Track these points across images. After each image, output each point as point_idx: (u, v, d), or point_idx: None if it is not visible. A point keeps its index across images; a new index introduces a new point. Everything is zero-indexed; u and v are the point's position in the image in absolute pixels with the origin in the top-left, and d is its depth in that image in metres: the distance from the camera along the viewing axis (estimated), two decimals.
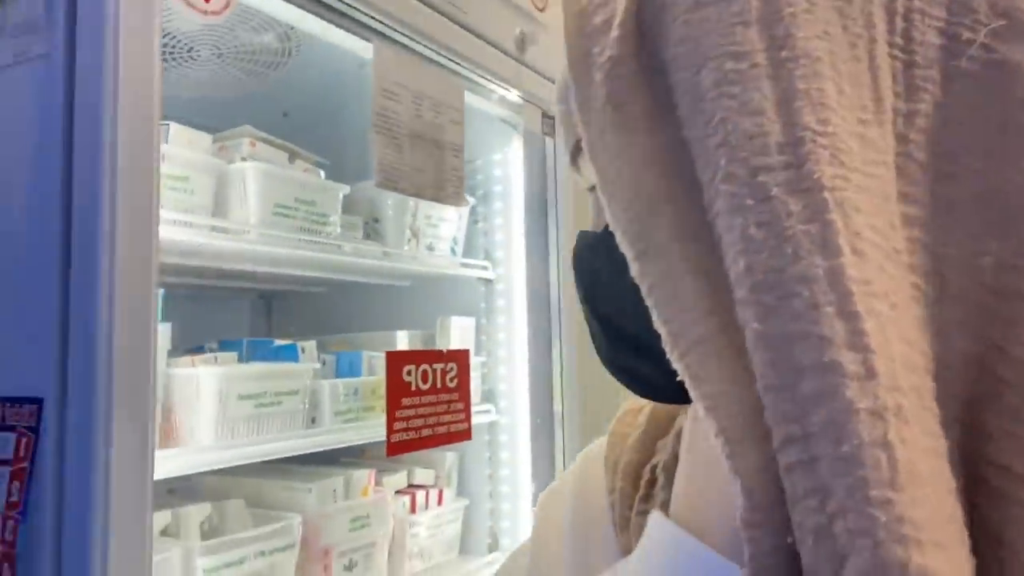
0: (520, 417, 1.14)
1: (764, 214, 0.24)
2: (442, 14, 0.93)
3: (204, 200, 0.82)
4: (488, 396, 1.15)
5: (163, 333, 0.73)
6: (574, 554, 0.37)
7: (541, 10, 1.12)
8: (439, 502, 1.10)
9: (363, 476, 1.00)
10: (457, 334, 1.07)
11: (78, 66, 0.58)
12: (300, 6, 0.79)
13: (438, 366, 0.90)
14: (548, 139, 1.17)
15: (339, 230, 0.97)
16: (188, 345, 0.95)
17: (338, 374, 1.01)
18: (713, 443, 0.23)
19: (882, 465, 0.20)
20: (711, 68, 0.26)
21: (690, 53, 0.26)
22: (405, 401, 0.85)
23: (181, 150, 0.80)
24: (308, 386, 0.89)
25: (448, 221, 1.12)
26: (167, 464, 0.69)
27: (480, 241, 1.19)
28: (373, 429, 0.94)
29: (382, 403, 0.94)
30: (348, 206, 1.01)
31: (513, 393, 1.14)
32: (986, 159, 0.26)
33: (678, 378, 0.25)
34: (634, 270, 0.27)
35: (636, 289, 0.27)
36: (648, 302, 0.26)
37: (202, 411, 0.76)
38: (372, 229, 1.07)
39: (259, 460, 0.82)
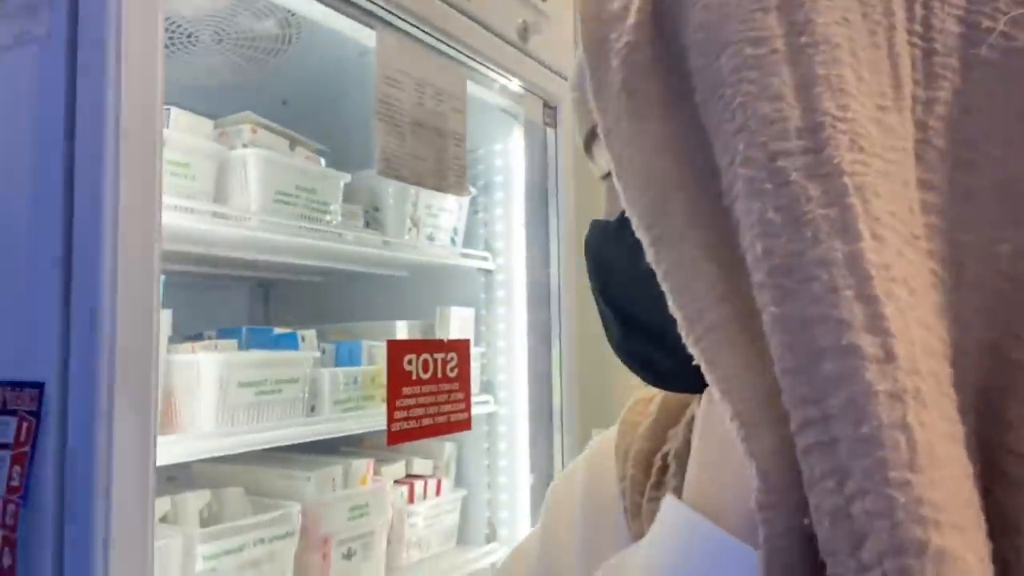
0: (519, 408, 1.14)
1: (783, 198, 0.24)
2: (445, 2, 0.93)
3: (205, 186, 0.82)
4: (487, 387, 1.15)
5: (165, 319, 0.73)
6: (584, 541, 0.37)
7: None
8: (437, 492, 1.10)
9: (362, 465, 1.00)
10: (456, 324, 1.07)
11: (80, 47, 0.57)
12: None
13: (439, 355, 0.90)
14: (549, 130, 1.17)
15: (340, 218, 0.97)
16: (185, 333, 0.94)
17: (338, 363, 1.00)
18: (728, 427, 0.23)
19: (901, 447, 0.20)
20: (730, 53, 0.26)
21: (709, 39, 0.26)
22: (406, 390, 0.85)
23: (182, 135, 0.80)
24: (308, 374, 0.89)
25: (448, 211, 1.11)
26: (167, 450, 0.69)
27: (480, 232, 1.19)
28: (373, 418, 0.94)
29: (382, 392, 0.94)
30: (349, 195, 1.00)
31: (512, 384, 1.14)
32: (1005, 147, 0.26)
33: (691, 365, 0.25)
34: (650, 255, 0.27)
35: (649, 277, 0.27)
36: (663, 287, 0.26)
37: (202, 398, 0.76)
38: (372, 218, 1.06)
39: (259, 448, 0.82)
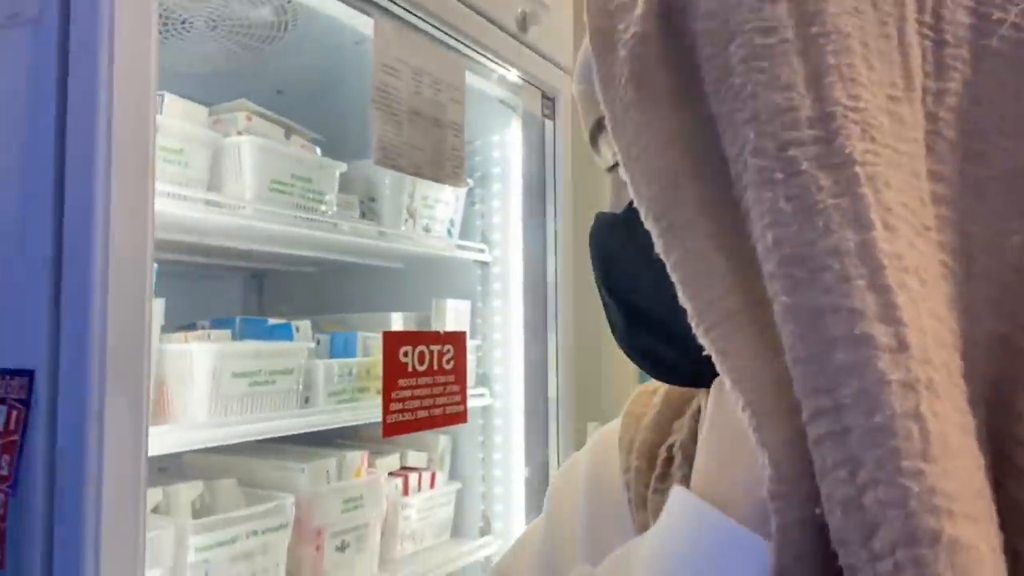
0: (514, 401, 1.13)
1: (794, 188, 0.24)
2: None
3: (199, 174, 0.81)
4: (482, 380, 1.14)
5: (157, 308, 0.72)
6: (588, 531, 0.37)
7: None
8: (431, 485, 1.10)
9: (356, 458, 0.99)
10: (452, 317, 1.06)
11: (72, 30, 0.56)
12: None
13: (435, 347, 0.89)
14: (547, 121, 1.16)
15: (335, 208, 0.96)
16: (178, 323, 0.93)
17: (332, 354, 1.00)
18: (739, 417, 0.23)
19: (914, 436, 0.20)
20: (740, 43, 0.26)
21: (718, 28, 0.26)
22: (401, 382, 0.84)
23: (176, 121, 0.79)
24: (302, 366, 0.88)
25: (445, 203, 1.11)
26: (159, 441, 0.68)
27: (477, 224, 1.18)
28: (367, 410, 0.94)
29: (377, 384, 0.93)
30: (345, 185, 0.99)
31: (508, 377, 1.14)
32: (1015, 138, 0.26)
33: (695, 358, 0.25)
34: (659, 246, 0.27)
35: (655, 269, 0.27)
36: (673, 278, 0.26)
37: (195, 388, 0.75)
38: (368, 208, 1.06)
39: (252, 439, 0.81)
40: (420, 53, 0.86)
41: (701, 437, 0.28)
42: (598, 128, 0.35)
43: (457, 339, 0.94)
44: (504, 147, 1.17)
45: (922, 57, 0.26)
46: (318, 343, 0.98)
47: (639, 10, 0.28)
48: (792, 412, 0.22)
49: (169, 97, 0.79)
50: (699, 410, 0.35)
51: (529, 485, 1.12)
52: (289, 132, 0.94)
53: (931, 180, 0.25)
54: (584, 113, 0.36)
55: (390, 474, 1.06)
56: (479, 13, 0.98)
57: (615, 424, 0.40)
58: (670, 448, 0.35)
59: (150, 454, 0.58)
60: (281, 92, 1.10)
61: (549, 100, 1.16)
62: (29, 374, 0.54)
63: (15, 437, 0.53)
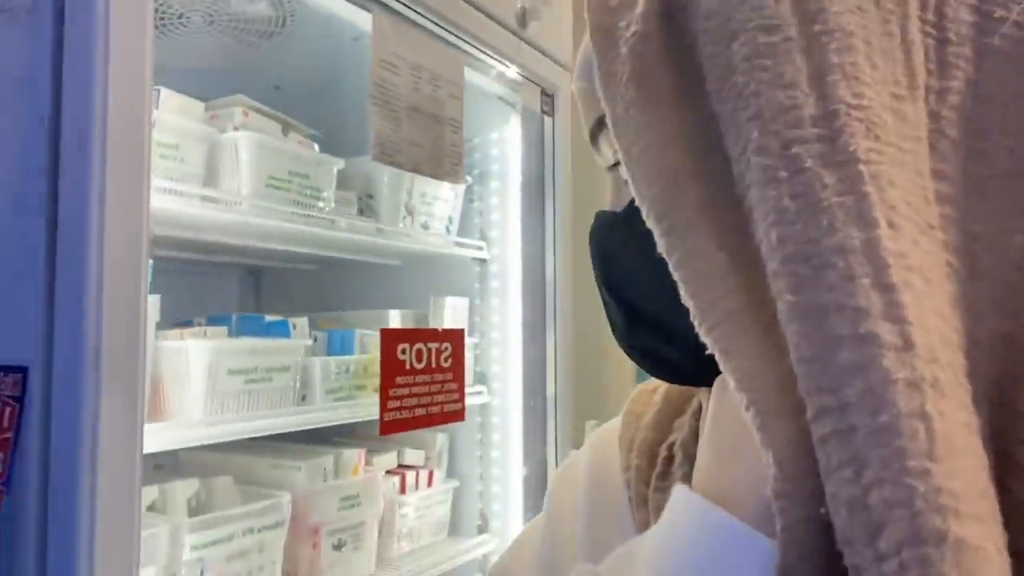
0: (512, 400, 1.13)
1: (798, 186, 0.24)
2: None
3: (195, 169, 0.80)
4: (480, 378, 1.14)
5: (152, 304, 0.72)
6: (588, 530, 0.37)
7: None
8: (429, 483, 1.10)
9: (353, 455, 0.99)
10: (450, 314, 1.06)
11: (67, 22, 0.56)
12: None
13: (433, 345, 0.89)
14: (547, 118, 1.16)
15: (333, 205, 0.95)
16: (174, 320, 0.93)
17: (329, 352, 0.99)
18: (742, 416, 0.23)
19: (920, 436, 0.20)
20: (742, 41, 0.26)
21: (720, 26, 0.26)
22: (399, 380, 0.84)
23: (172, 116, 0.78)
24: (299, 363, 0.88)
25: (443, 200, 1.10)
26: (155, 438, 0.68)
27: (475, 221, 1.18)
28: (364, 408, 0.93)
29: (374, 382, 0.93)
30: (342, 181, 0.99)
31: (506, 375, 1.14)
32: (1017, 137, 0.26)
33: (696, 357, 0.25)
34: (661, 245, 0.27)
35: (655, 268, 0.27)
36: (675, 276, 0.26)
37: (191, 385, 0.75)
38: (366, 205, 1.05)
39: (248, 437, 0.81)
40: (419, 49, 0.85)
41: (703, 436, 0.28)
42: (599, 126, 0.34)
43: (455, 337, 0.93)
44: (503, 144, 1.17)
45: (925, 55, 0.26)
46: (315, 340, 0.98)
47: (640, 8, 0.28)
48: (796, 411, 0.22)
49: (165, 92, 0.78)
50: (700, 408, 0.35)
51: (527, 484, 1.12)
52: (286, 128, 0.94)
53: (934, 179, 0.25)
54: (584, 111, 0.35)
55: (387, 472, 1.05)
56: (478, 9, 0.97)
57: (615, 423, 0.40)
58: (671, 447, 0.35)
59: (145, 451, 0.57)
60: (278, 88, 1.10)
61: (548, 97, 1.15)
62: (23, 371, 0.54)
63: (8, 434, 0.53)
